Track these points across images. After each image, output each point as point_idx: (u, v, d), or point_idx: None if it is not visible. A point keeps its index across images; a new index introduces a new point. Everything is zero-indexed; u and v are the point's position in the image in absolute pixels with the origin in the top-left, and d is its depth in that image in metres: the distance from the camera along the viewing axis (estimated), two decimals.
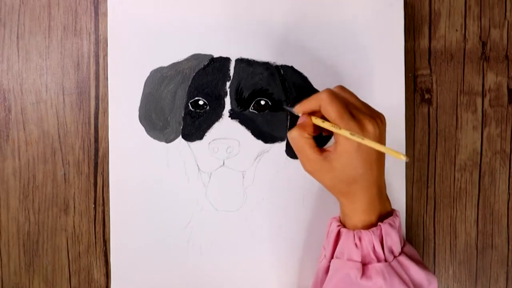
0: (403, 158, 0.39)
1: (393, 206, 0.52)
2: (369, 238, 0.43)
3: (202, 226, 0.51)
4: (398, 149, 0.52)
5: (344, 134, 0.41)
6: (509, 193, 0.55)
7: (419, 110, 0.54)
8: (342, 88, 0.44)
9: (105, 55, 0.52)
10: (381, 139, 0.43)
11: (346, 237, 0.44)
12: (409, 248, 0.47)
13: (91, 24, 0.52)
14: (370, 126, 0.41)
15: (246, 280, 0.52)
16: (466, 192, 0.54)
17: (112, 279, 0.51)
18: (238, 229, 0.51)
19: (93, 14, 0.52)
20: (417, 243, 0.54)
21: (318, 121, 0.43)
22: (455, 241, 0.54)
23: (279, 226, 0.52)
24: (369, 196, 0.43)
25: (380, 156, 0.43)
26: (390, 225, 0.43)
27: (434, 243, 0.54)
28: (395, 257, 0.44)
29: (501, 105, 0.54)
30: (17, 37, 0.52)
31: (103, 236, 0.53)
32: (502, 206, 0.54)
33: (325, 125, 0.42)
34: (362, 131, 0.41)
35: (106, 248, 0.53)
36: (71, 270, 0.53)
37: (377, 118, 0.43)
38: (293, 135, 0.43)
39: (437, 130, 0.54)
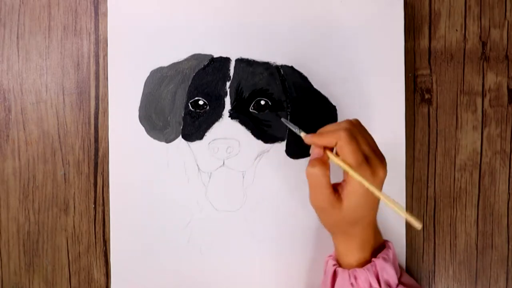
0: (418, 227, 0.37)
1: None
2: (365, 276, 0.43)
3: (202, 226, 0.51)
4: (398, 149, 0.52)
5: (354, 176, 0.39)
6: (509, 193, 0.55)
7: (419, 110, 0.54)
8: (358, 124, 0.43)
9: (105, 55, 0.52)
10: (383, 184, 0.42)
11: (342, 277, 0.44)
12: (406, 278, 0.47)
13: (91, 24, 0.52)
14: (381, 172, 0.41)
15: (246, 280, 0.52)
16: (466, 192, 0.54)
17: (112, 279, 0.51)
18: (238, 229, 0.51)
19: (93, 14, 0.52)
20: (417, 243, 0.54)
21: (335, 160, 0.41)
22: (455, 241, 0.54)
23: (279, 226, 0.52)
24: (365, 234, 0.44)
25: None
26: (384, 259, 0.44)
27: (434, 243, 0.54)
28: None
29: (501, 105, 0.54)
30: (17, 37, 0.52)
31: (103, 236, 0.53)
32: (502, 206, 0.54)
33: (343, 165, 0.40)
34: (373, 176, 0.40)
35: (106, 248, 0.53)
36: (71, 270, 0.53)
37: (384, 162, 0.42)
38: (316, 171, 0.41)
39: (437, 130, 0.54)
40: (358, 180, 0.40)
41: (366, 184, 0.39)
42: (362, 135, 0.42)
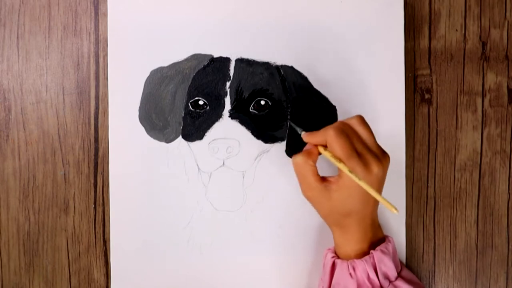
0: (395, 212, 0.40)
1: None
2: (362, 267, 0.44)
3: (202, 226, 0.51)
4: (398, 149, 0.52)
5: (345, 171, 0.41)
6: (509, 193, 0.55)
7: (419, 110, 0.54)
8: (359, 120, 0.44)
9: (105, 55, 0.52)
10: (382, 180, 0.44)
11: (341, 267, 0.45)
12: (406, 272, 0.48)
13: (91, 24, 0.52)
14: (375, 167, 0.42)
15: (246, 280, 0.52)
16: (466, 192, 0.54)
17: (112, 279, 0.51)
18: (238, 229, 0.51)
19: (93, 14, 0.52)
20: (417, 243, 0.54)
21: (325, 154, 0.43)
22: (455, 241, 0.54)
23: (279, 226, 0.52)
24: (362, 227, 0.45)
25: (379, 190, 0.44)
26: (383, 251, 0.44)
27: (434, 243, 0.54)
28: (391, 282, 0.45)
29: (501, 105, 0.54)
30: (17, 37, 0.52)
31: (103, 236, 0.53)
32: (502, 206, 0.54)
33: (331, 159, 0.42)
34: (367, 171, 0.41)
35: (106, 248, 0.53)
36: (71, 270, 0.53)
37: (383, 159, 0.43)
38: (298, 160, 0.44)
39: (437, 130, 0.54)
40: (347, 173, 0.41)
41: (347, 171, 0.41)
42: (356, 132, 0.43)
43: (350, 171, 0.41)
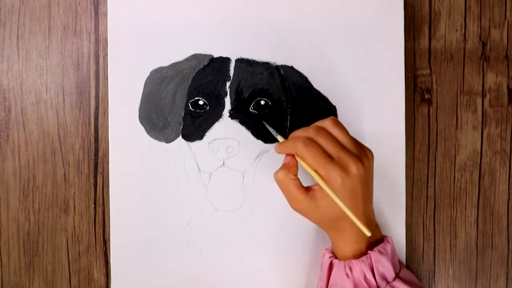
0: (368, 234, 0.41)
1: (393, 206, 0.52)
2: (359, 267, 0.43)
3: (202, 226, 0.51)
4: (398, 149, 0.52)
5: (318, 181, 0.42)
6: (509, 193, 0.55)
7: (419, 110, 0.54)
8: (332, 122, 0.43)
9: (105, 55, 0.52)
10: (367, 178, 0.43)
11: (338, 268, 0.45)
12: (405, 273, 0.48)
13: (91, 24, 0.52)
14: (353, 168, 0.41)
15: (246, 280, 0.52)
16: (466, 192, 0.54)
17: (112, 279, 0.51)
18: (238, 229, 0.51)
19: (93, 14, 0.52)
20: (417, 243, 0.54)
21: (301, 163, 0.43)
22: (455, 241, 0.54)
23: (279, 226, 0.52)
24: (356, 228, 0.44)
25: (367, 189, 0.44)
26: (380, 252, 0.44)
27: (434, 243, 0.54)
28: (388, 283, 0.44)
29: (501, 105, 0.54)
30: (17, 37, 0.52)
31: (103, 236, 0.53)
32: (502, 206, 0.54)
33: (306, 168, 0.42)
34: (345, 173, 0.41)
35: (106, 248, 0.53)
36: (71, 270, 0.53)
37: (363, 157, 0.43)
38: (279, 176, 0.44)
39: (437, 130, 0.54)
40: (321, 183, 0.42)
41: (320, 182, 0.41)
42: (328, 136, 0.43)
43: (323, 182, 0.41)
